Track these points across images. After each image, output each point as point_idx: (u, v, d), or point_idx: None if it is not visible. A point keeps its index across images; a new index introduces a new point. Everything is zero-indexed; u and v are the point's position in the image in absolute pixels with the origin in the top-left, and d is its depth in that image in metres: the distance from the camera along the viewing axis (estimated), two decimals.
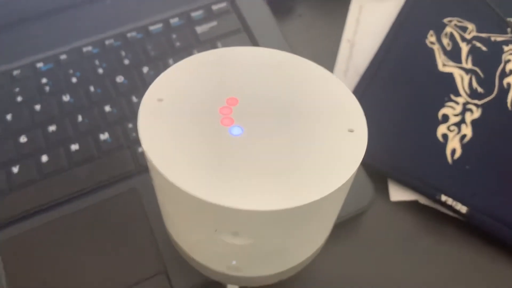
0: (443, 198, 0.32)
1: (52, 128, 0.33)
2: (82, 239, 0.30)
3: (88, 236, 0.30)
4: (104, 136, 0.33)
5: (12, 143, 0.33)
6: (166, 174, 0.17)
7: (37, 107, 0.34)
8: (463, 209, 0.32)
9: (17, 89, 0.35)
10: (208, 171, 0.17)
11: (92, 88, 0.35)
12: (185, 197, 0.17)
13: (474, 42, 0.38)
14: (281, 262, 0.22)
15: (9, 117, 0.34)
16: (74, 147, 0.33)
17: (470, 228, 0.33)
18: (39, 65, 0.36)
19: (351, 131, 0.19)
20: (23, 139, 0.33)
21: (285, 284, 0.31)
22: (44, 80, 0.35)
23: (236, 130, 0.19)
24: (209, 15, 0.38)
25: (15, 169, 0.32)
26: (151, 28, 0.37)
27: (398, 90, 0.37)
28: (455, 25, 0.39)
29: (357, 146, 0.18)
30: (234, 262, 0.21)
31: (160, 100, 0.19)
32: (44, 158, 0.32)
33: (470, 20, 0.39)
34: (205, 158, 0.17)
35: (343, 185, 0.17)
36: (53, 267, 0.29)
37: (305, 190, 0.17)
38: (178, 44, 0.36)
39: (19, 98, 0.34)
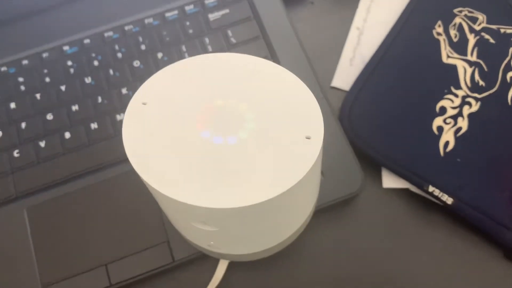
0: (431, 188, 0.34)
1: (75, 107, 0.37)
2: (97, 208, 0.34)
3: (103, 206, 0.34)
4: (120, 117, 0.37)
5: (40, 120, 0.37)
6: (141, 174, 0.20)
7: (63, 87, 0.38)
8: (449, 200, 0.34)
9: (45, 71, 0.39)
10: (177, 171, 0.20)
11: (111, 72, 0.38)
12: (159, 193, 0.20)
13: (483, 33, 0.39)
14: (253, 244, 0.25)
15: (38, 96, 0.38)
16: (94, 126, 0.36)
17: (455, 217, 0.35)
18: (65, 48, 0.39)
19: (308, 138, 0.21)
20: (49, 116, 0.37)
21: (273, 260, 0.34)
22: (69, 63, 0.39)
23: (206, 134, 0.21)
24: (222, 3, 0.40)
25: (42, 144, 0.36)
26: (168, 15, 0.40)
27: (399, 80, 0.38)
28: (465, 15, 0.39)
29: (311, 152, 0.21)
30: (212, 242, 0.25)
31: (144, 103, 0.22)
32: (67, 135, 0.36)
33: (481, 10, 0.39)
34: (176, 159, 0.20)
35: (293, 187, 0.20)
36: (71, 231, 0.34)
37: (256, 191, 0.19)
38: (190, 31, 0.39)
39: (47, 79, 0.38)
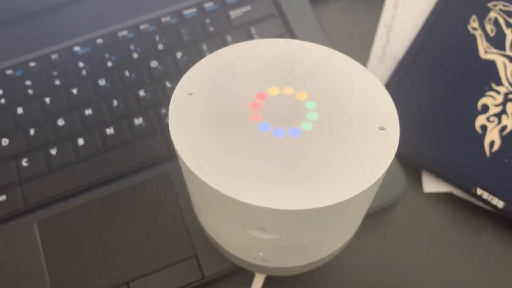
0: (479, 191, 0.32)
1: (88, 111, 0.34)
2: (115, 221, 0.31)
3: (121, 218, 0.31)
4: (138, 121, 0.34)
5: (50, 126, 0.34)
6: (194, 170, 0.17)
7: (74, 90, 0.35)
8: (499, 203, 0.31)
9: (55, 73, 0.36)
10: (236, 168, 0.17)
11: (127, 73, 0.35)
12: (213, 193, 0.17)
13: None
14: (307, 255, 0.22)
15: (48, 100, 0.35)
16: (109, 131, 0.33)
17: (506, 222, 0.32)
18: (76, 49, 0.36)
19: (382, 129, 0.18)
20: (60, 122, 0.34)
21: (312, 273, 0.31)
22: (81, 64, 0.36)
23: (265, 127, 0.18)
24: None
25: (53, 151, 0.33)
26: (185, 12, 0.37)
27: (436, 78, 0.36)
28: (500, 9, 0.37)
29: (388, 145, 0.18)
30: (260, 254, 0.22)
31: (190, 94, 0.19)
32: (81, 141, 0.33)
33: None
34: (234, 154, 0.18)
35: (372, 185, 0.17)
36: (87, 247, 0.30)
37: (332, 190, 0.17)
38: (211, 29, 0.36)
39: (57, 82, 0.35)
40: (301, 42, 0.21)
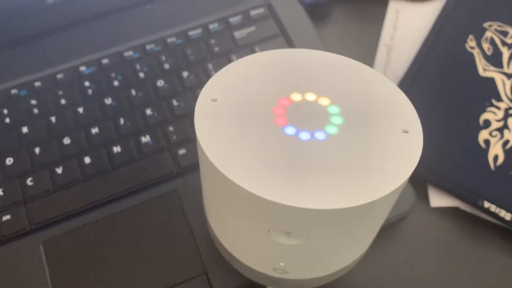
0: (486, 204, 0.32)
1: (94, 130, 0.34)
2: (123, 239, 0.31)
3: (129, 236, 0.31)
4: (145, 139, 0.34)
5: (56, 145, 0.34)
6: (225, 172, 0.17)
7: (80, 110, 0.35)
8: (507, 216, 0.31)
9: (60, 92, 0.36)
10: (265, 170, 0.17)
11: (133, 92, 0.35)
12: (243, 195, 0.17)
13: None
14: (328, 265, 0.22)
15: (53, 119, 0.35)
16: (116, 149, 0.33)
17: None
18: (82, 68, 0.37)
19: (406, 132, 0.19)
20: (66, 140, 0.34)
21: None
22: (86, 84, 0.36)
23: (290, 130, 0.19)
24: (248, 21, 0.38)
25: (59, 170, 0.33)
26: (191, 33, 0.38)
27: (437, 95, 0.36)
28: (496, 29, 0.39)
29: (413, 146, 0.18)
30: (281, 264, 0.21)
31: (214, 100, 0.20)
32: (87, 160, 0.33)
33: (510, 24, 0.39)
34: (262, 157, 0.18)
35: (401, 185, 0.17)
36: (94, 266, 0.30)
37: (362, 190, 0.17)
38: (216, 49, 0.37)
39: (62, 101, 0.35)
40: (318, 52, 0.22)
